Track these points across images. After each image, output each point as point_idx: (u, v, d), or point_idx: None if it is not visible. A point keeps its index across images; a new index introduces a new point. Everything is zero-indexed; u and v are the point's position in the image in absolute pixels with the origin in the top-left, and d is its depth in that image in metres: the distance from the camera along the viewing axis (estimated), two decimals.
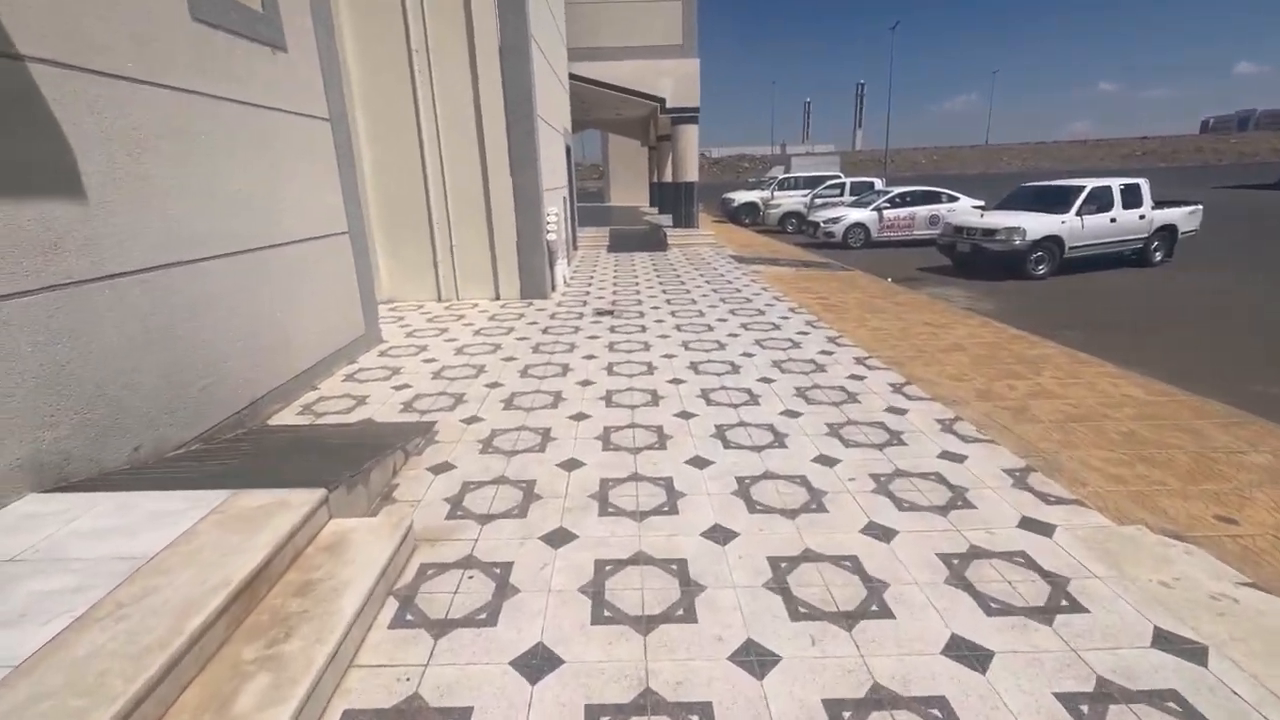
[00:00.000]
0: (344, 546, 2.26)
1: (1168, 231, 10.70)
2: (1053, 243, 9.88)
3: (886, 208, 14.64)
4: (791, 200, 19.40)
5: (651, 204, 24.46)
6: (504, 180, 7.03)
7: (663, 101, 13.34)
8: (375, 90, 6.72)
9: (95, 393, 2.64)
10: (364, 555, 2.21)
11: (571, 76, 12.90)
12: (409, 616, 2.10)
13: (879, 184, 18.51)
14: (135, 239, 2.86)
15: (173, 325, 3.07)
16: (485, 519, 2.70)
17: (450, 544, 2.52)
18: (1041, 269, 9.99)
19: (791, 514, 2.70)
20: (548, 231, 7.52)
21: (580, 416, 3.85)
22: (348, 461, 2.84)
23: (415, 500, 2.87)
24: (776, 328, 6.06)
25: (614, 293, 8.01)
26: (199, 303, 3.25)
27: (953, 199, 14.86)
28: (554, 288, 7.95)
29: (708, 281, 8.83)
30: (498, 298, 7.44)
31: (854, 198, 17.97)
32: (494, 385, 4.49)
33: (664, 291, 8.12)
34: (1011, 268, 10.04)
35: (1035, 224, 9.82)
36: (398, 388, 4.42)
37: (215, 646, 1.75)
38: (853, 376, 4.52)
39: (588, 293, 7.99)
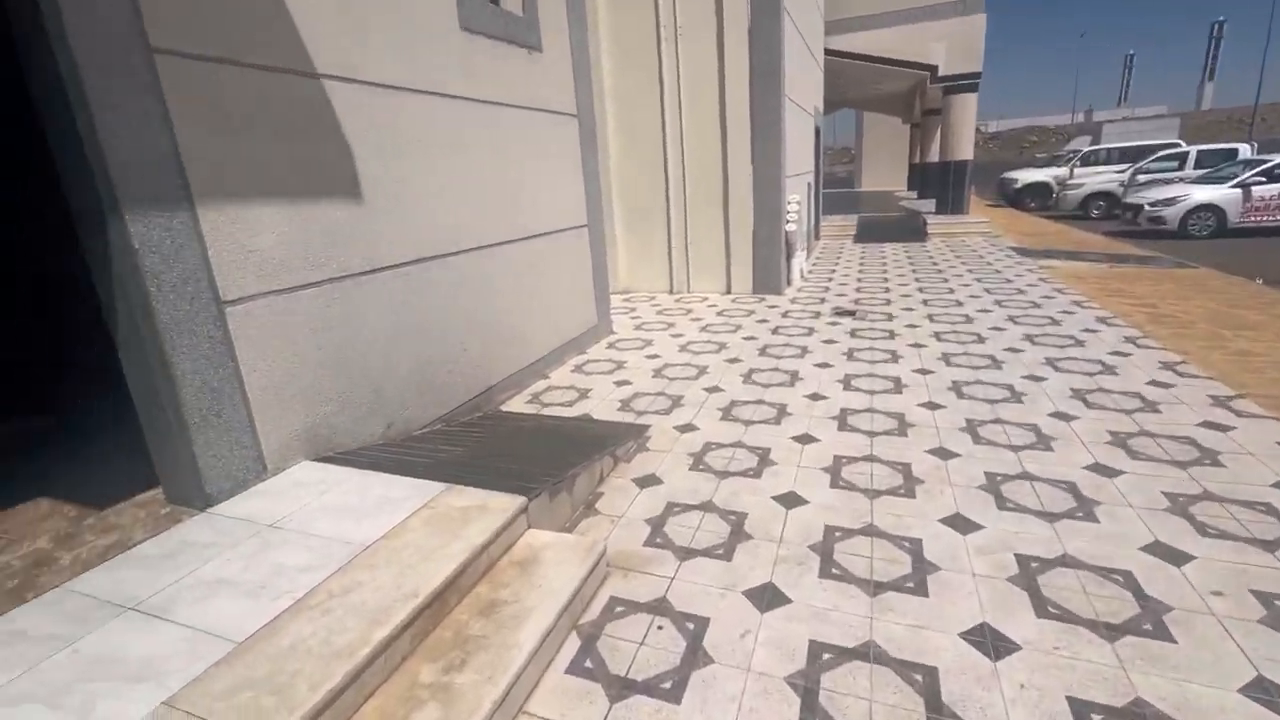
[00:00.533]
0: (535, 564, 2.13)
1: None
2: None
3: (1259, 182, 10.80)
4: (1099, 178, 15.58)
5: (910, 188, 21.89)
6: (744, 168, 6.65)
7: (934, 70, 11.60)
8: (623, 79, 6.84)
9: (360, 375, 2.94)
10: (552, 579, 2.05)
11: (828, 53, 11.94)
12: (588, 664, 1.87)
13: (1246, 151, 13.82)
14: (397, 236, 3.13)
15: (425, 314, 3.33)
16: (686, 553, 2.38)
17: (644, 578, 2.25)
18: None
19: (1110, 631, 1.86)
20: (787, 222, 6.96)
21: (806, 439, 3.32)
22: (558, 463, 2.77)
23: (616, 516, 2.68)
24: (1077, 343, 4.70)
25: (858, 289, 7.13)
26: (447, 293, 3.50)
27: None
28: (789, 282, 7.37)
29: (978, 279, 7.38)
30: (729, 291, 7.13)
31: (1202, 171, 13.73)
32: (714, 390, 4.18)
33: (920, 290, 6.97)
34: None
35: None
36: (619, 383, 4.36)
37: (399, 659, 1.70)
38: (1207, 424, 3.19)
39: (827, 289, 7.23)
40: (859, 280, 7.70)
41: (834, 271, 8.43)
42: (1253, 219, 10.93)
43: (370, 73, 2.93)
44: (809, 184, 9.39)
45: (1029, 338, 4.90)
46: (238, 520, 2.22)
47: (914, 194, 19.79)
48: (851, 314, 5.94)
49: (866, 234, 11.54)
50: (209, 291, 2.27)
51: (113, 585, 1.89)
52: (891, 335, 5.20)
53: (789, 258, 7.24)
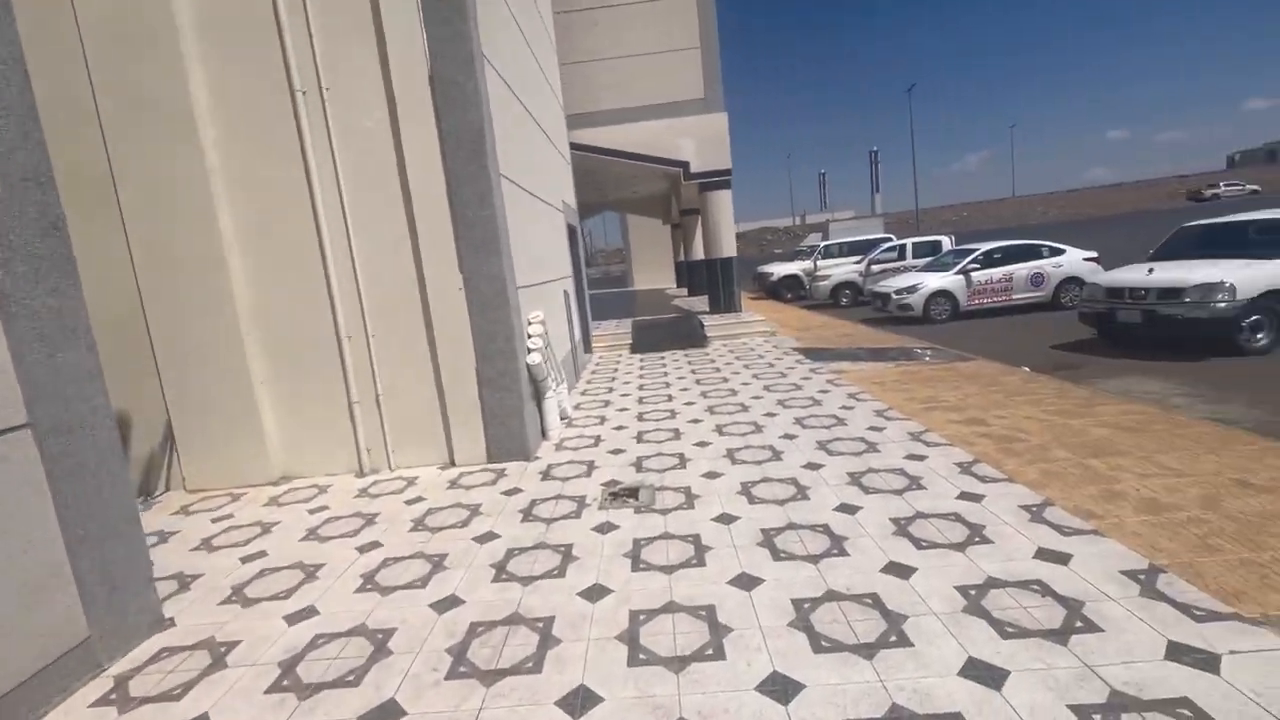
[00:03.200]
0: None
1: None
2: (1275, 300, 6.75)
3: (975, 268, 11.74)
4: (841, 269, 16.71)
5: (680, 284, 22.12)
6: (449, 277, 4.40)
7: (685, 166, 11.02)
8: (244, 159, 4.29)
9: None
10: None
11: (577, 147, 10.75)
12: None
13: (948, 242, 15.72)
14: None
15: None
16: None
17: None
18: (1261, 338, 6.81)
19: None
20: (529, 350, 4.81)
21: None
22: None
23: None
24: (956, 517, 3.04)
25: (639, 435, 5.15)
26: None
27: (1056, 251, 11.91)
28: (546, 435, 5.14)
29: (780, 401, 5.90)
30: (451, 463, 4.63)
31: (919, 261, 15.20)
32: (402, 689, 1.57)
33: (717, 426, 5.22)
34: (1212, 339, 6.90)
35: (1244, 277, 6.74)
36: None
37: None
38: (1161, 628, 1.47)
39: (598, 438, 5.13)
40: (640, 416, 5.78)
41: (609, 401, 6.45)
42: (978, 301, 11.78)
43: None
44: (566, 292, 7.54)
45: (894, 519, 3.15)
46: None
47: (685, 290, 19.80)
48: (633, 495, 3.80)
49: (644, 341, 10.08)
50: None
51: None
52: (694, 522, 3.11)
53: (541, 399, 5.04)
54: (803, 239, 32.27)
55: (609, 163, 11.45)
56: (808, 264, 19.20)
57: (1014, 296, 11.78)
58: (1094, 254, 11.91)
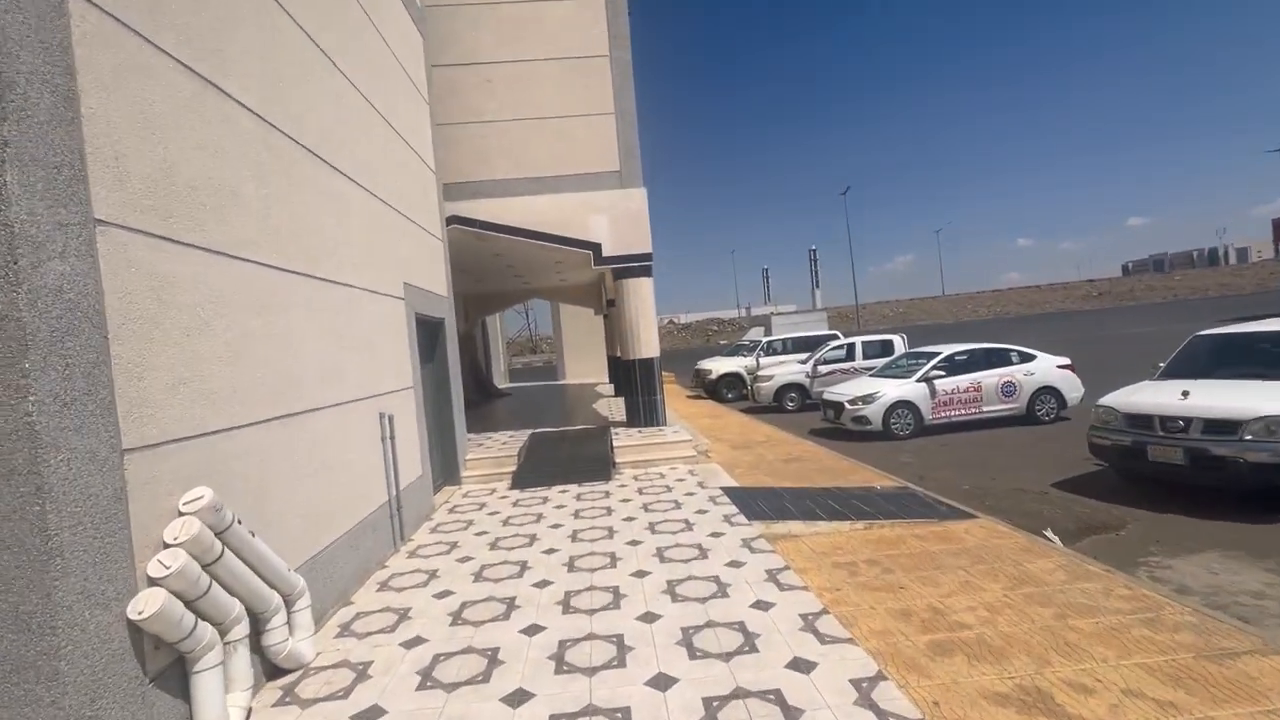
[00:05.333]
0: None
1: None
2: None
3: (940, 376, 9.98)
4: (785, 369, 14.90)
5: (611, 380, 19.97)
6: None
7: (597, 248, 9.08)
8: None
9: None
10: None
11: (459, 220, 8.68)
12: None
13: (900, 342, 14.21)
14: None
15: None
16: None
17: None
18: None
19: None
20: (151, 579, 2.30)
21: None
22: None
23: None
24: None
25: None
26: None
27: (1026, 357, 10.33)
28: None
29: (686, 627, 3.45)
30: None
31: (870, 362, 13.57)
32: None
33: (569, 698, 2.73)
34: (1269, 490, 5.01)
35: None
36: None
37: None
38: None
39: None
40: (439, 658, 3.23)
41: (406, 619, 3.88)
42: (943, 414, 9.94)
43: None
44: (387, 415, 5.10)
45: None
46: None
47: (614, 386, 17.61)
48: None
49: (532, 469, 7.60)
50: None
51: None
52: None
53: (190, 673, 2.47)
54: (746, 331, 31.12)
55: (515, 243, 9.43)
56: (750, 361, 17.44)
57: (984, 409, 10.01)
58: (1067, 360, 10.40)
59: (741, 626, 3.31)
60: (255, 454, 3.16)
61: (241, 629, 2.70)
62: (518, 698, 2.79)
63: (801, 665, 2.89)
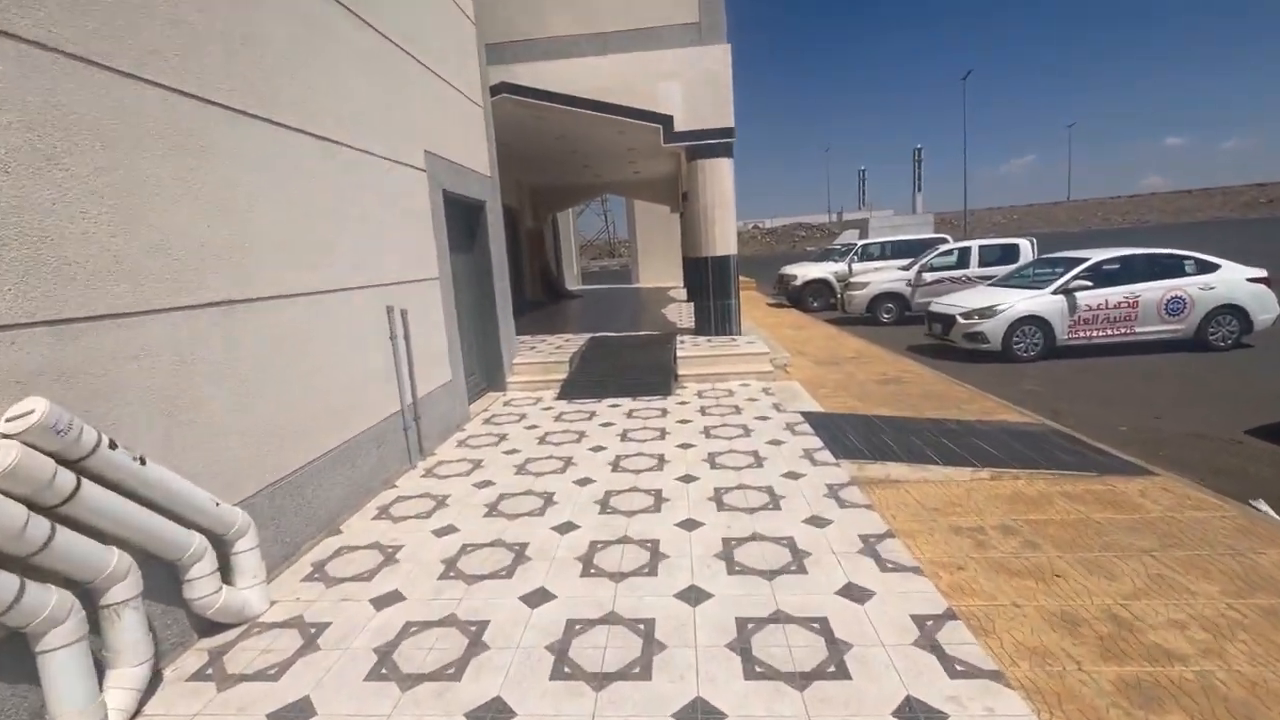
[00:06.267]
0: None
1: None
2: None
3: (1084, 287, 8.09)
4: (883, 276, 13.06)
5: (686, 284, 18.72)
6: None
7: (668, 121, 7.62)
8: None
9: None
10: None
11: (506, 88, 7.45)
12: None
13: (1027, 247, 11.97)
14: None
15: None
16: None
17: None
18: None
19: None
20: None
21: None
22: None
23: None
24: None
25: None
26: None
27: (1207, 266, 8.18)
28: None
29: (742, 615, 2.50)
30: None
31: (987, 270, 11.55)
32: None
33: (589, 709, 1.89)
34: None
35: None
36: None
37: None
38: None
39: None
40: (419, 629, 2.48)
41: (391, 562, 3.17)
42: (1082, 334, 8.15)
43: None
44: (393, 308, 4.25)
45: None
46: None
47: (686, 291, 16.41)
48: None
49: (584, 378, 6.75)
50: None
51: None
52: None
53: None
54: (837, 237, 28.28)
55: (576, 121, 8.13)
56: (840, 267, 15.60)
57: (1138, 329, 8.11)
58: (1262, 272, 8.15)
59: (823, 626, 2.32)
60: (165, 353, 2.35)
61: (127, 588, 1.98)
62: (495, 706, 1.98)
63: (910, 712, 1.88)
